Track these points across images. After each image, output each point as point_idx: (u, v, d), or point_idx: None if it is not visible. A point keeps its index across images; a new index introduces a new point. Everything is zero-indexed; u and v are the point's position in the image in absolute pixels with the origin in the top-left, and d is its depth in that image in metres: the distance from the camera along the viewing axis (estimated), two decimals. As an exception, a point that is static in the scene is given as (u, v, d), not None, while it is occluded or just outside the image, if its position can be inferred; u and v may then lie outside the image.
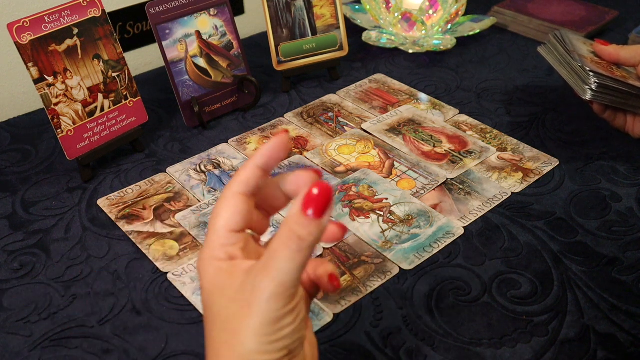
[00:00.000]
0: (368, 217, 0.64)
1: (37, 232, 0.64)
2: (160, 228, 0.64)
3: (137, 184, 0.70)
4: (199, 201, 0.67)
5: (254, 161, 0.40)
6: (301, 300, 0.38)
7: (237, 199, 0.39)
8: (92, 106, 0.70)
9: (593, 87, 0.67)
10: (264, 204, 0.42)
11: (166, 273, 0.59)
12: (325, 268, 0.42)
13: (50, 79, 0.66)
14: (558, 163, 0.72)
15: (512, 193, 0.67)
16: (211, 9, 0.79)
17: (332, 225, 0.39)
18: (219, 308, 0.38)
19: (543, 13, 1.01)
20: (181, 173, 0.72)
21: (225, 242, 0.39)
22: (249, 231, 0.41)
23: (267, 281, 0.36)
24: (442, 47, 0.93)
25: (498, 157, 0.73)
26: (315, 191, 0.35)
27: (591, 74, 0.67)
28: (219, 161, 0.73)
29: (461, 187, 0.68)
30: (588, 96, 0.68)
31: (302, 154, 0.74)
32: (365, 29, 0.99)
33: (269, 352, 0.36)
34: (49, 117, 0.67)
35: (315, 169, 0.41)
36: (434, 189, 0.68)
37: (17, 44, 0.63)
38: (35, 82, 0.65)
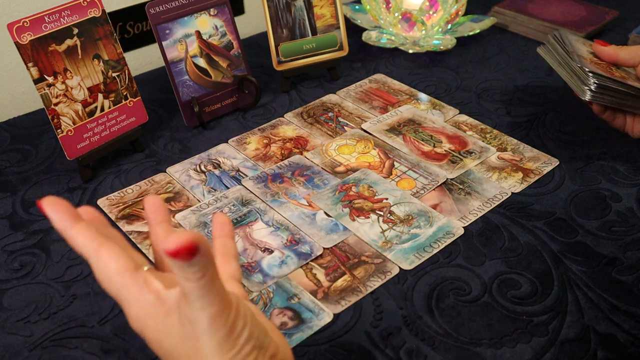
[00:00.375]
0: (368, 217, 0.64)
1: (37, 232, 0.64)
2: (160, 228, 0.64)
3: (137, 184, 0.70)
4: (199, 201, 0.67)
5: (71, 223, 0.39)
6: (238, 300, 0.37)
7: (103, 248, 0.38)
8: (92, 106, 0.70)
9: (592, 87, 0.67)
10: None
11: (166, 273, 0.59)
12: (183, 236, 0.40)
13: (50, 79, 0.66)
14: (558, 163, 0.72)
15: (512, 193, 0.67)
16: (211, 9, 0.79)
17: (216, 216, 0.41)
18: (176, 352, 0.38)
19: (543, 13, 1.01)
20: (181, 173, 0.72)
21: (139, 287, 0.38)
22: (145, 267, 0.39)
23: (198, 312, 0.35)
24: (442, 47, 0.93)
25: (498, 157, 0.73)
26: (170, 246, 0.33)
27: (590, 74, 0.67)
28: (219, 161, 0.73)
29: (461, 187, 0.68)
30: (587, 97, 0.68)
31: (302, 154, 0.74)
32: (365, 29, 0.99)
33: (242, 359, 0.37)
34: (49, 117, 0.67)
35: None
36: (434, 189, 0.68)
37: (17, 44, 0.63)
38: (35, 82, 0.65)
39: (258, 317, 0.39)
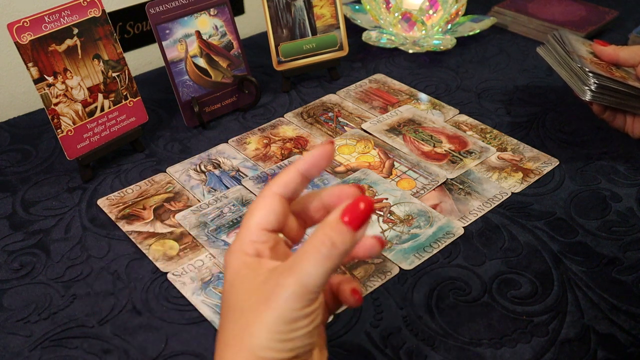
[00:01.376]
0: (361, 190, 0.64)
1: (37, 232, 0.64)
2: (160, 228, 0.64)
3: (137, 184, 0.70)
4: (199, 201, 0.67)
5: (296, 166, 0.40)
6: (320, 308, 0.38)
7: (274, 199, 0.40)
8: (92, 106, 0.70)
9: (592, 87, 0.67)
10: (302, 214, 0.42)
11: (166, 273, 0.59)
12: (350, 284, 0.42)
13: (50, 79, 0.66)
14: (558, 163, 0.72)
15: (512, 193, 0.67)
16: (211, 9, 0.79)
17: (370, 239, 0.39)
18: (235, 300, 0.38)
19: (543, 13, 1.01)
20: (181, 173, 0.72)
21: (256, 238, 0.39)
22: (281, 235, 0.41)
23: (291, 280, 0.36)
24: (442, 47, 0.93)
25: (498, 157, 0.73)
26: (361, 205, 0.36)
27: (590, 74, 0.67)
28: (219, 161, 0.73)
29: (461, 187, 0.68)
30: (587, 97, 0.68)
31: (302, 154, 0.74)
32: (365, 29, 0.99)
33: (277, 350, 0.36)
34: (49, 117, 0.67)
35: (358, 185, 0.41)
36: (434, 189, 0.68)
37: (17, 44, 0.63)
38: (35, 82, 0.65)
39: (318, 333, 0.39)
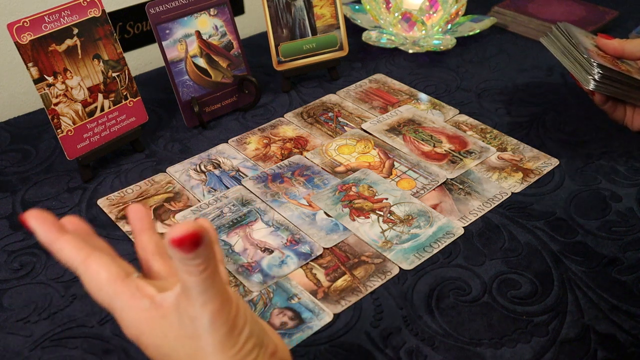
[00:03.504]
0: (368, 217, 0.64)
1: (37, 232, 0.64)
2: (160, 228, 0.64)
3: (137, 184, 0.70)
4: (199, 201, 0.67)
5: (59, 235, 0.38)
6: (237, 297, 0.38)
7: (91, 258, 0.38)
8: (92, 106, 0.70)
9: (596, 77, 0.67)
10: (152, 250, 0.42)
11: (166, 273, 0.59)
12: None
13: (50, 79, 0.66)
14: (558, 163, 0.72)
15: (512, 193, 0.67)
16: (211, 9, 0.79)
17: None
18: (175, 353, 0.37)
19: (543, 13, 1.01)
20: (181, 173, 0.72)
21: (132, 293, 0.37)
22: (135, 274, 0.39)
23: (200, 309, 0.35)
24: (442, 47, 0.93)
25: (498, 157, 0.73)
26: (175, 235, 0.33)
27: (595, 64, 0.67)
28: (219, 161, 0.73)
29: (461, 187, 0.68)
30: (591, 86, 0.68)
31: (302, 154, 0.74)
32: (365, 29, 0.99)
33: (244, 357, 0.36)
34: (49, 117, 0.67)
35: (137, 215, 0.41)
36: (434, 189, 0.68)
37: (17, 44, 0.63)
38: (35, 82, 0.65)
39: (254, 315, 0.39)
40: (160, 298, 0.37)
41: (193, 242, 0.33)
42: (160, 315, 0.37)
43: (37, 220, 0.37)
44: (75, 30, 0.67)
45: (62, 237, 0.38)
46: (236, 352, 0.36)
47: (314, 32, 0.85)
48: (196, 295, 0.35)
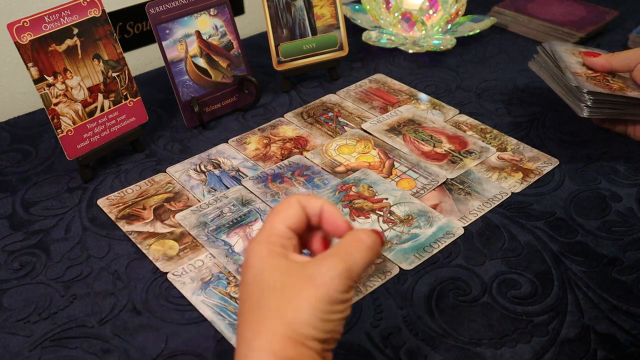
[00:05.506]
0: (368, 217, 0.64)
1: (37, 232, 0.64)
2: (160, 228, 0.64)
3: (137, 184, 0.70)
4: (199, 201, 0.67)
5: (325, 204, 0.43)
6: (351, 300, 0.40)
7: (299, 206, 0.42)
8: (92, 106, 0.70)
9: (588, 104, 0.67)
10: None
11: (166, 273, 0.59)
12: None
13: (50, 79, 0.66)
14: (558, 163, 0.72)
15: (512, 193, 0.67)
16: (211, 9, 0.79)
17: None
18: (270, 281, 0.39)
19: (543, 13, 1.01)
20: (181, 173, 0.72)
21: (282, 234, 0.41)
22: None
23: (338, 261, 0.38)
24: (442, 47, 0.93)
25: (498, 157, 0.73)
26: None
27: (585, 91, 0.67)
28: (219, 161, 0.73)
29: (461, 187, 0.68)
30: (585, 114, 0.67)
31: (302, 154, 0.74)
32: (365, 29, 0.99)
33: (316, 329, 0.37)
34: (49, 117, 0.67)
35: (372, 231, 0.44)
36: (434, 189, 0.68)
37: (17, 44, 0.63)
38: (35, 82, 0.65)
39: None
40: (292, 254, 0.41)
41: (383, 241, 0.42)
42: (282, 255, 0.40)
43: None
44: (75, 30, 0.67)
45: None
46: (319, 318, 0.37)
47: (314, 32, 0.85)
48: (350, 254, 0.39)
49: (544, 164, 0.71)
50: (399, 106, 0.83)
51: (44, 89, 0.66)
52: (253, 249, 0.40)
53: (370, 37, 0.96)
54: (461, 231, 0.62)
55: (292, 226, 0.41)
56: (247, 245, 0.42)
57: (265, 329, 0.38)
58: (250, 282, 0.40)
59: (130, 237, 0.63)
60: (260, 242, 0.40)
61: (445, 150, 0.74)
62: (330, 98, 0.85)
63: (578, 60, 0.74)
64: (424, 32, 0.94)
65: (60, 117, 0.67)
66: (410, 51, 0.94)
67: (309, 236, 0.44)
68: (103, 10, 0.69)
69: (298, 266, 0.39)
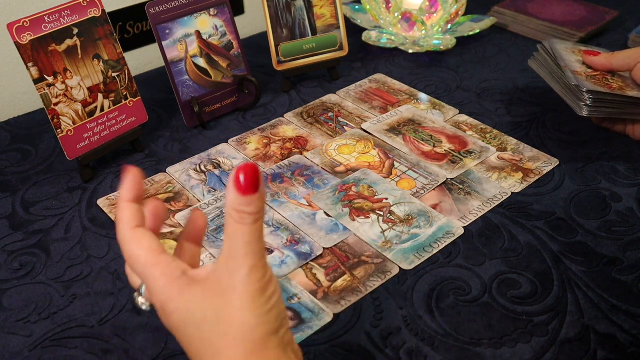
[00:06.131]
0: (368, 217, 0.64)
1: (37, 232, 0.64)
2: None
3: (137, 184, 0.70)
4: (199, 201, 0.67)
5: (123, 198, 0.41)
6: (272, 274, 0.39)
7: (137, 232, 0.40)
8: (92, 106, 0.70)
9: (588, 103, 0.67)
10: (189, 237, 0.44)
11: (166, 273, 0.59)
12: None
13: (50, 79, 0.66)
14: (558, 163, 0.72)
15: (512, 193, 0.67)
16: (211, 9, 0.79)
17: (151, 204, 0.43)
18: (201, 313, 0.38)
19: (543, 13, 1.01)
20: (181, 173, 0.72)
21: (167, 263, 0.39)
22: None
23: (240, 260, 0.37)
24: (442, 47, 0.93)
25: (498, 157, 0.73)
26: (241, 175, 0.36)
27: (584, 90, 0.67)
28: (219, 161, 0.73)
29: (461, 187, 0.68)
30: (584, 113, 0.67)
31: (302, 154, 0.74)
32: (365, 29, 0.99)
33: (267, 323, 0.37)
34: (49, 117, 0.67)
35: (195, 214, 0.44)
36: (434, 189, 0.68)
37: (17, 44, 0.63)
38: (35, 82, 0.65)
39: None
40: (193, 271, 0.39)
41: (254, 183, 0.36)
42: (190, 282, 0.39)
43: (130, 176, 0.41)
44: (75, 30, 0.67)
45: (131, 201, 0.41)
46: (264, 313, 0.37)
47: (314, 32, 0.85)
48: (240, 246, 0.37)
49: (544, 164, 0.71)
50: (399, 106, 0.83)
51: (44, 89, 0.66)
52: (164, 298, 0.39)
53: (370, 37, 0.96)
54: (461, 231, 0.62)
55: (161, 248, 0.40)
56: (153, 299, 0.40)
57: (225, 358, 0.37)
58: (181, 324, 0.39)
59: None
60: (164, 287, 0.39)
61: (445, 150, 0.74)
62: (330, 98, 0.85)
63: (578, 58, 0.74)
64: (424, 32, 0.94)
65: (60, 117, 0.67)
66: (410, 51, 0.94)
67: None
68: (103, 10, 0.69)
69: (210, 285, 0.38)
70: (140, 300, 0.42)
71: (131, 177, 0.41)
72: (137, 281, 0.42)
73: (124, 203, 0.41)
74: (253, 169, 0.36)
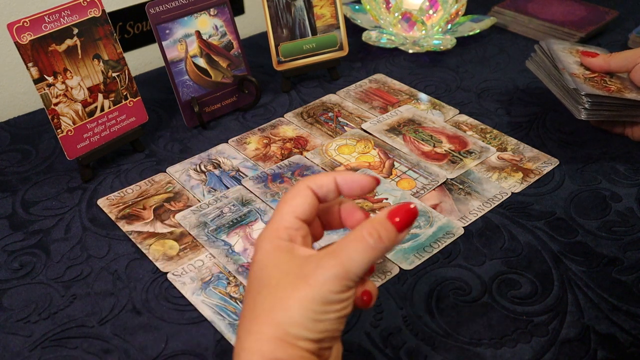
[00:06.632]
0: (368, 217, 0.64)
1: (37, 232, 0.64)
2: (160, 228, 0.64)
3: (137, 184, 0.70)
4: (199, 201, 0.67)
5: (335, 174, 0.42)
6: (351, 298, 0.39)
7: (308, 192, 0.41)
8: (92, 106, 0.70)
9: (586, 106, 0.67)
10: (322, 216, 0.44)
11: (166, 273, 0.59)
12: (364, 286, 0.42)
13: (50, 79, 0.66)
14: (558, 163, 0.72)
15: (512, 193, 0.67)
16: (211, 9, 0.79)
17: (367, 177, 0.42)
18: (269, 277, 0.38)
19: (543, 13, 1.01)
20: (181, 173, 0.72)
21: (290, 225, 0.40)
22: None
23: (334, 262, 0.37)
24: (442, 47, 0.93)
25: (498, 157, 0.73)
26: (412, 206, 0.39)
27: (583, 94, 0.67)
28: (219, 161, 0.73)
29: (461, 187, 0.68)
30: (583, 116, 0.67)
31: (302, 154, 0.74)
32: (365, 29, 0.99)
33: (307, 329, 0.37)
34: (49, 117, 0.67)
35: (375, 178, 0.43)
36: (434, 189, 0.68)
37: (17, 44, 0.63)
38: (35, 82, 0.65)
39: (344, 323, 0.41)
40: (299, 247, 0.40)
41: (409, 225, 0.39)
42: (285, 249, 0.39)
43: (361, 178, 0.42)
44: (75, 30, 0.67)
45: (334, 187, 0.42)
46: (311, 319, 0.37)
47: (314, 32, 0.85)
48: (344, 255, 0.37)
49: (544, 164, 0.71)
50: (399, 106, 0.83)
51: (44, 89, 0.66)
52: (259, 244, 0.40)
53: (370, 37, 0.96)
54: (461, 231, 0.62)
55: (302, 216, 0.41)
56: (255, 239, 0.41)
57: (256, 329, 0.37)
58: (252, 279, 0.40)
59: (130, 237, 0.63)
60: (266, 237, 0.40)
61: (445, 150, 0.74)
62: (330, 98, 0.85)
63: (576, 60, 0.74)
64: (424, 32, 0.94)
65: (60, 117, 0.67)
66: (410, 51, 0.94)
67: (331, 210, 0.44)
68: (103, 10, 0.69)
69: (299, 262, 0.38)
70: None
71: (364, 182, 0.42)
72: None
73: (332, 176, 0.42)
74: (414, 214, 0.39)
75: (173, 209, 0.66)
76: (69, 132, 0.68)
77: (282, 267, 0.39)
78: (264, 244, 0.40)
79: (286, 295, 0.37)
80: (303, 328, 0.37)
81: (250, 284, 0.40)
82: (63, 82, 0.67)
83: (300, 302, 0.37)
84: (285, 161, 0.73)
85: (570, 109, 0.69)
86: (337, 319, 0.38)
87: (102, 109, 0.71)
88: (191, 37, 0.78)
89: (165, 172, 0.72)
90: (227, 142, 0.77)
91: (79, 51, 0.68)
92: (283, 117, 0.81)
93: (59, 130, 0.67)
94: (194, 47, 0.78)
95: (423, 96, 0.85)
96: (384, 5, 0.94)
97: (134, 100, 0.73)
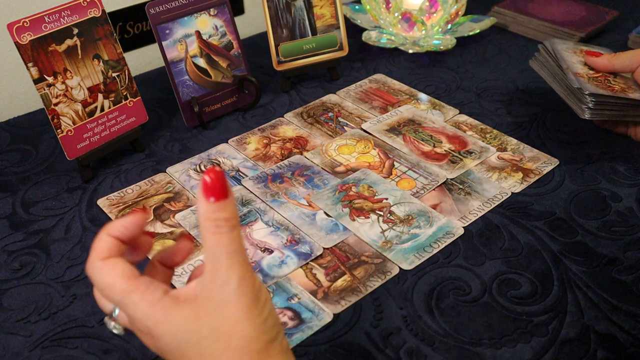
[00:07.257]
0: (368, 217, 0.64)
1: (37, 232, 0.64)
2: (160, 228, 0.64)
3: (137, 184, 0.70)
4: (199, 201, 0.67)
5: (106, 230, 0.40)
6: (260, 281, 0.39)
7: (108, 262, 0.39)
8: (92, 106, 0.70)
9: (590, 105, 0.67)
10: (164, 261, 0.43)
11: (166, 273, 0.59)
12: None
13: (50, 79, 0.66)
14: (558, 163, 0.72)
15: (512, 193, 0.67)
16: (211, 9, 0.79)
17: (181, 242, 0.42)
18: (197, 333, 0.37)
19: (543, 13, 1.01)
20: (181, 173, 0.72)
21: (145, 286, 0.38)
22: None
23: (227, 272, 0.36)
24: (442, 47, 0.93)
25: (498, 157, 0.73)
26: (207, 180, 0.36)
27: (587, 93, 0.67)
28: (219, 161, 0.73)
29: (461, 187, 0.68)
30: (586, 116, 0.67)
31: (302, 154, 0.74)
32: (365, 29, 0.99)
33: (267, 331, 0.37)
34: (49, 117, 0.67)
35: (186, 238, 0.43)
36: (434, 189, 0.68)
37: (17, 44, 0.63)
38: (35, 82, 0.65)
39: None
40: (175, 291, 0.39)
41: (223, 187, 0.36)
42: (175, 303, 0.38)
43: (133, 218, 0.40)
44: (75, 30, 0.67)
45: (112, 237, 0.40)
46: (261, 322, 0.37)
47: (314, 32, 0.85)
48: (223, 258, 0.36)
49: (544, 164, 0.71)
50: (399, 106, 0.83)
51: (44, 89, 0.66)
52: (150, 323, 0.38)
53: (370, 37, 0.96)
54: (461, 231, 0.62)
55: (135, 273, 0.39)
56: (139, 325, 0.39)
57: None
58: (175, 348, 0.38)
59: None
60: (148, 312, 0.38)
61: (445, 150, 0.74)
62: (330, 98, 0.85)
63: (580, 59, 0.74)
64: (424, 32, 0.94)
65: (60, 117, 0.67)
66: (410, 51, 0.94)
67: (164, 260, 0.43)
68: (103, 10, 0.69)
69: (201, 303, 0.37)
70: (112, 324, 0.41)
71: (133, 219, 0.40)
72: (107, 305, 0.41)
73: (102, 234, 0.40)
74: (218, 174, 0.36)
75: (173, 209, 0.66)
76: (69, 132, 0.68)
77: (195, 315, 0.37)
78: (154, 317, 0.38)
79: (229, 325, 0.37)
80: (262, 333, 0.37)
81: (183, 355, 0.38)
82: (63, 82, 0.67)
83: (244, 319, 0.37)
84: (285, 161, 0.73)
85: (573, 109, 0.69)
86: (272, 304, 0.38)
87: (102, 109, 0.71)
88: (191, 37, 0.78)
89: (165, 172, 0.72)
90: (227, 142, 0.77)
91: (79, 51, 0.68)
92: (283, 117, 0.81)
93: (59, 130, 0.67)
94: (194, 47, 0.78)
95: (423, 96, 0.85)
96: (384, 5, 0.94)
97: (134, 100, 0.73)
